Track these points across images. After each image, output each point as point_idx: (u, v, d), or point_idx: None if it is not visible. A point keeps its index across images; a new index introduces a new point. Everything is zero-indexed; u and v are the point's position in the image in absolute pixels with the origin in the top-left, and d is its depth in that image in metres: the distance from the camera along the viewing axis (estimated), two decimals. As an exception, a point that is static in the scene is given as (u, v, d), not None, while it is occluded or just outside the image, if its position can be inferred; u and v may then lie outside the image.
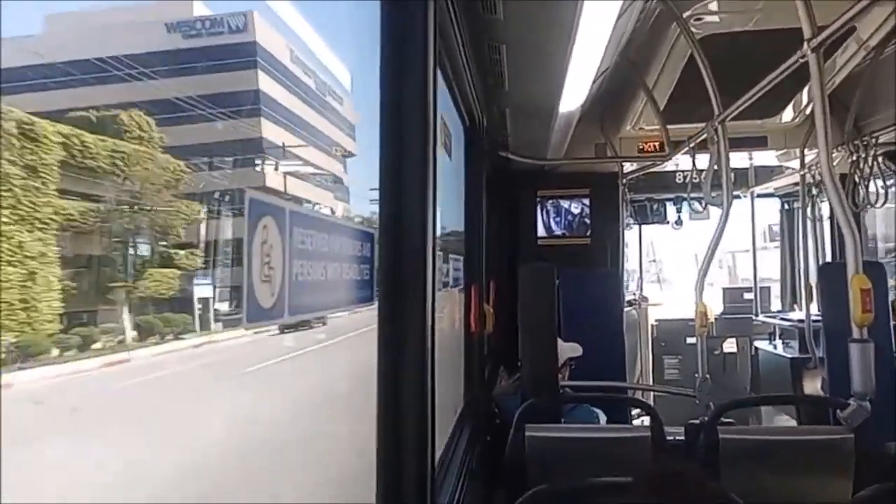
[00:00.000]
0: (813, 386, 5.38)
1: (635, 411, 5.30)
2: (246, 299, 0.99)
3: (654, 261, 10.20)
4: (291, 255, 1.14)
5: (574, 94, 3.70)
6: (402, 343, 1.50)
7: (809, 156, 5.55)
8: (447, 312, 3.88)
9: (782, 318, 6.52)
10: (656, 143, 5.54)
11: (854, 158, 5.04)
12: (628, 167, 6.10)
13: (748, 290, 7.41)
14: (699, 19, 3.66)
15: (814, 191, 6.13)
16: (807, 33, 2.75)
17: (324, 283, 1.30)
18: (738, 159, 5.95)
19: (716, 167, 4.38)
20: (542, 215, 6.21)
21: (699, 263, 4.44)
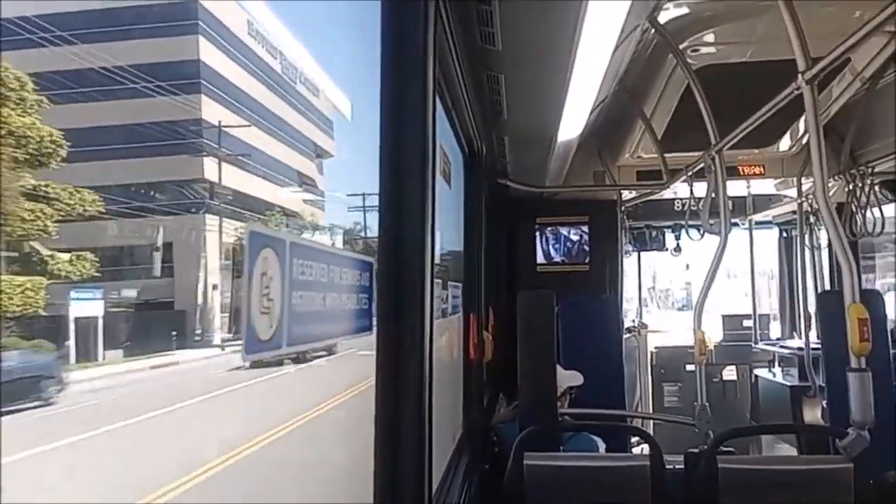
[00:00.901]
0: (813, 414, 5.35)
1: (634, 439, 5.27)
2: (244, 331, 0.99)
3: (653, 288, 10.17)
4: (291, 286, 1.14)
5: (572, 122, 3.73)
6: (401, 371, 1.51)
7: (806, 184, 5.57)
8: (446, 339, 3.88)
9: (781, 346, 6.50)
10: (654, 171, 5.58)
11: (851, 188, 5.07)
12: (627, 195, 6.13)
13: (747, 317, 7.41)
14: (696, 50, 3.70)
15: (811, 219, 6.15)
16: (801, 66, 2.78)
17: (323, 314, 1.31)
18: (736, 187, 5.98)
19: (713, 195, 4.40)
20: (541, 242, 6.23)
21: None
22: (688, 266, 6.98)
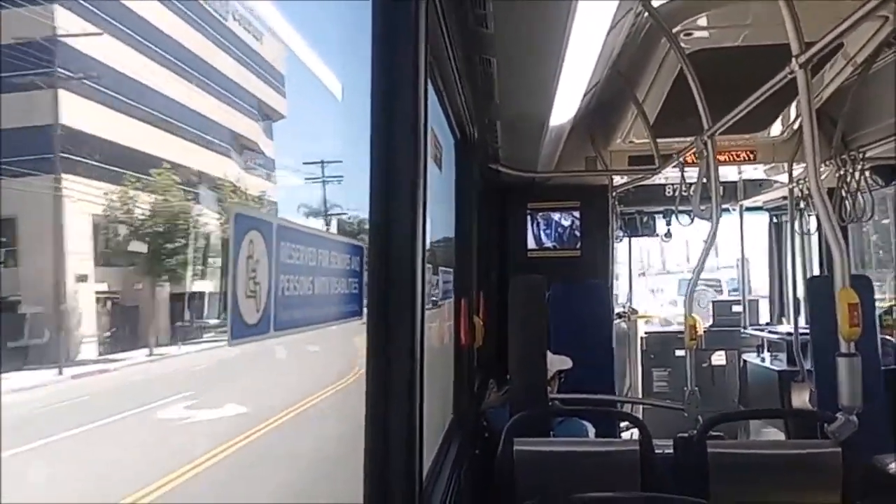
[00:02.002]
0: (801, 399, 5.40)
1: (624, 424, 5.30)
2: (230, 315, 0.98)
3: (644, 273, 10.20)
4: (278, 269, 1.13)
5: (565, 107, 3.71)
6: (391, 356, 1.50)
7: (797, 170, 5.59)
8: (437, 324, 3.86)
9: (770, 331, 6.54)
10: (646, 157, 5.57)
11: (841, 173, 5.09)
12: (618, 180, 6.13)
13: (737, 302, 7.45)
14: (689, 34, 3.68)
15: (801, 204, 6.17)
16: (795, 49, 2.77)
17: (311, 298, 1.29)
18: (727, 173, 5.98)
19: (704, 180, 4.40)
20: (532, 227, 6.22)
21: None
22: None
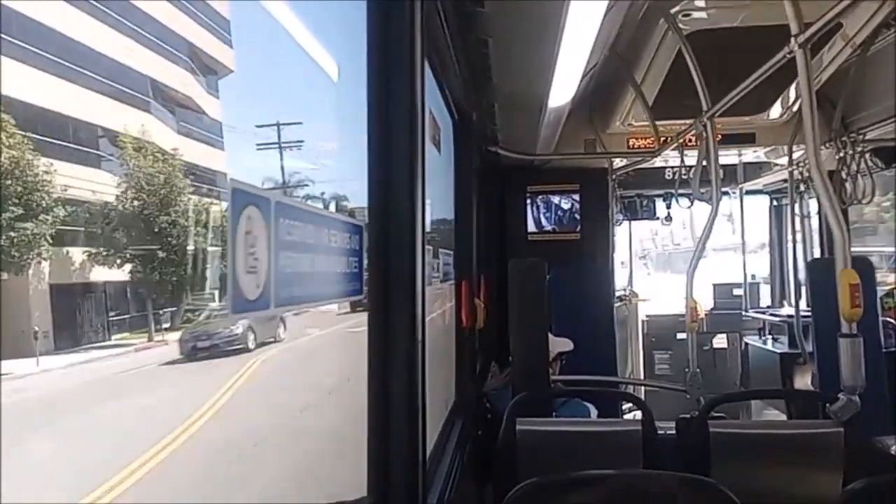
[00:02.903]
0: (803, 381, 5.42)
1: (626, 406, 5.32)
2: (231, 291, 0.98)
3: (644, 257, 10.21)
4: (277, 246, 1.13)
5: (563, 89, 3.70)
6: (392, 337, 1.50)
7: (797, 152, 5.58)
8: (438, 307, 3.87)
9: (772, 314, 6.56)
10: (645, 139, 5.55)
11: (841, 155, 5.08)
12: (618, 163, 6.11)
13: (738, 285, 7.45)
14: (687, 15, 3.66)
15: (802, 187, 6.17)
16: (794, 29, 2.76)
17: (311, 276, 1.29)
18: (727, 156, 5.97)
19: (704, 163, 4.39)
20: (531, 210, 6.21)
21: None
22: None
